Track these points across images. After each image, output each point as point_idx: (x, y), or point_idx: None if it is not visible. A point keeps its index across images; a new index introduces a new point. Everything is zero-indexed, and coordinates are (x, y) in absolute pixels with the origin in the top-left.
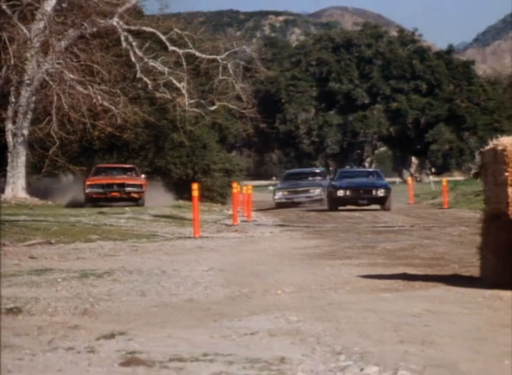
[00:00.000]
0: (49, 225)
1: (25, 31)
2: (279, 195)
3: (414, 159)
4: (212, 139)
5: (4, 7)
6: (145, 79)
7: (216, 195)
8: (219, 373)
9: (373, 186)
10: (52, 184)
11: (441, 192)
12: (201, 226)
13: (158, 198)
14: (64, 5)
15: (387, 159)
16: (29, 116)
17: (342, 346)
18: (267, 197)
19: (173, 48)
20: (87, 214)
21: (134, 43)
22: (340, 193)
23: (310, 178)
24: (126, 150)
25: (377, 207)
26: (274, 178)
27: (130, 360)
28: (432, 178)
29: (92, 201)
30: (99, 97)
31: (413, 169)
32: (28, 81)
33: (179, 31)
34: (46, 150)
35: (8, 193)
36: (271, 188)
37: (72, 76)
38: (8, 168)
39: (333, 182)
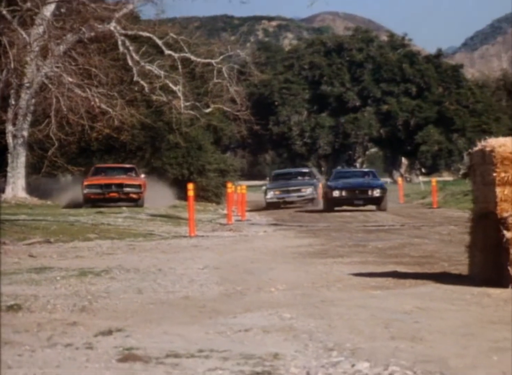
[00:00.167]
0: (48, 224)
1: (24, 35)
2: (270, 194)
3: (404, 160)
4: (207, 141)
5: (4, 12)
6: (141, 82)
7: (211, 194)
8: (214, 369)
9: (369, 186)
10: (51, 184)
11: (430, 192)
12: (197, 225)
13: (159, 198)
14: (62, 10)
15: (377, 160)
16: (28, 118)
17: (334, 342)
18: (261, 197)
19: (169, 52)
20: (85, 214)
21: (131, 48)
22: (336, 193)
23: (299, 178)
24: (123, 151)
25: (372, 207)
26: (267, 178)
27: (127, 356)
28: (421, 178)
29: (90, 202)
30: (97, 100)
31: (403, 169)
32: (27, 84)
33: (174, 36)
34: (45, 151)
35: (8, 192)
36: (264, 188)
37: (70, 79)
38: (8, 169)
39: (329, 183)
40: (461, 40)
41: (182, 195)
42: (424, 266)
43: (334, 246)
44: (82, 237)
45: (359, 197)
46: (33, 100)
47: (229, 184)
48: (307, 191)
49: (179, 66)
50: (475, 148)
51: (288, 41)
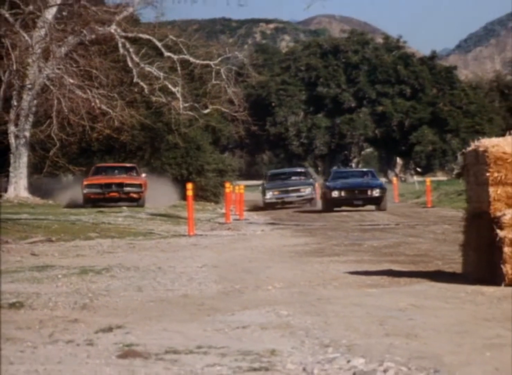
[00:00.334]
0: (50, 223)
1: (27, 38)
2: (269, 194)
3: (399, 160)
4: (205, 141)
5: (7, 15)
6: (141, 83)
7: (210, 194)
8: (212, 365)
9: (368, 186)
10: (53, 184)
11: (424, 191)
12: (196, 224)
13: (160, 198)
14: (64, 13)
15: (373, 160)
16: (30, 119)
17: (330, 339)
18: (258, 196)
19: (168, 54)
20: (86, 213)
21: (131, 50)
22: (335, 193)
23: (296, 178)
24: (123, 152)
25: (370, 207)
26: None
27: (127, 352)
28: (416, 178)
29: (91, 202)
30: (97, 101)
31: (398, 169)
32: (29, 86)
33: (174, 38)
34: (47, 151)
35: (11, 192)
36: (261, 187)
37: (71, 81)
38: (11, 169)
39: (327, 183)
40: (455, 42)
41: (181, 194)
42: (418, 265)
43: (330, 245)
44: (83, 235)
45: (359, 197)
46: (35, 101)
47: (227, 184)
48: (306, 191)
49: (178, 68)
50: (469, 149)
51: (285, 43)
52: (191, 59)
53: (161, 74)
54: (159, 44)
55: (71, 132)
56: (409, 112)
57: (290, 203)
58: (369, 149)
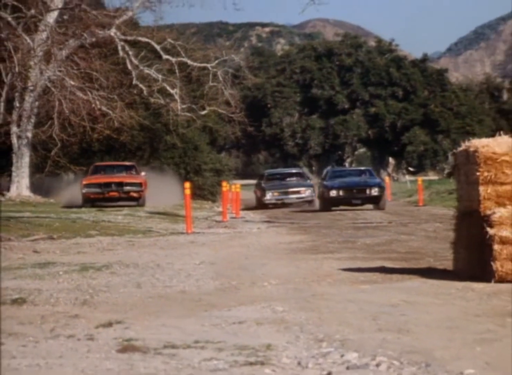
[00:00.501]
0: (51, 221)
1: (29, 41)
2: (269, 195)
3: (391, 160)
4: (203, 142)
5: (9, 19)
6: (140, 85)
7: (207, 193)
8: (209, 359)
9: (367, 185)
10: (54, 183)
11: (416, 190)
12: (193, 222)
13: (161, 197)
14: (65, 17)
15: (366, 160)
16: (32, 120)
17: (324, 334)
18: (254, 195)
19: (167, 57)
20: (86, 211)
21: (130, 52)
22: (333, 193)
23: (293, 178)
24: (123, 152)
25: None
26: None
27: (127, 347)
28: (408, 177)
29: (90, 201)
30: (97, 103)
31: (390, 169)
32: (31, 88)
33: (172, 41)
34: (48, 151)
35: (13, 191)
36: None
37: (72, 83)
38: (13, 168)
39: (325, 182)
40: (446, 45)
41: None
42: (410, 262)
43: (324, 242)
44: (83, 233)
45: (357, 196)
46: (37, 103)
47: (224, 183)
48: (306, 193)
49: (176, 70)
50: (459, 149)
51: (280, 46)
52: (189, 62)
53: (160, 76)
54: (157, 47)
55: (72, 132)
56: (401, 113)
57: (290, 204)
58: (362, 150)
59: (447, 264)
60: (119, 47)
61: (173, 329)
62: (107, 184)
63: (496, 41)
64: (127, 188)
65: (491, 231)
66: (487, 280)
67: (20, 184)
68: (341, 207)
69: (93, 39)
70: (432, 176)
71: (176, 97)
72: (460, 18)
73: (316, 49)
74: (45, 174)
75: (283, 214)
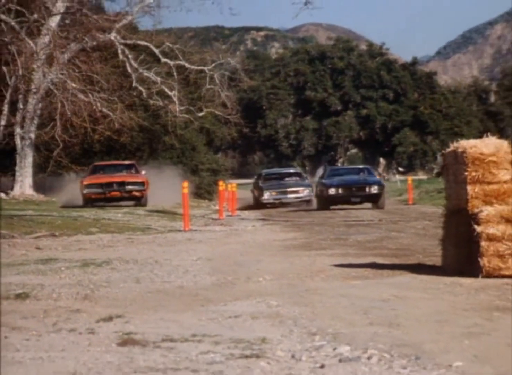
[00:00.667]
0: (53, 219)
1: (32, 45)
2: (267, 195)
3: (382, 160)
4: (200, 142)
5: (13, 23)
6: (140, 88)
7: (204, 192)
8: (206, 352)
9: (366, 183)
10: (56, 182)
11: (406, 190)
12: (191, 220)
13: (163, 196)
14: (67, 21)
15: (357, 160)
16: (35, 121)
17: (317, 328)
18: (250, 194)
19: (165, 60)
20: (87, 209)
21: (130, 56)
22: (332, 191)
23: (291, 178)
24: (123, 152)
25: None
26: (255, 177)
27: (126, 341)
28: (398, 177)
29: (91, 202)
30: (98, 104)
31: (381, 169)
32: (34, 90)
33: (170, 45)
34: (51, 152)
35: (17, 190)
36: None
37: (74, 85)
38: (17, 168)
39: (324, 180)
40: (435, 49)
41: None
42: (400, 258)
43: (317, 239)
44: (84, 230)
45: (356, 194)
46: (40, 105)
47: (221, 183)
48: (305, 193)
49: (175, 73)
50: (448, 150)
51: (275, 50)
52: (187, 65)
53: (158, 79)
54: (156, 50)
55: (73, 133)
56: (391, 115)
57: (288, 204)
58: (354, 150)
59: (436, 260)
60: (119, 51)
61: (171, 323)
62: (109, 184)
63: (484, 45)
64: (129, 187)
65: (478, 228)
66: (475, 275)
67: (24, 183)
68: (340, 206)
69: (94, 43)
70: (422, 176)
71: (174, 99)
72: (449, 22)
73: (309, 53)
74: (48, 174)
75: (277, 212)
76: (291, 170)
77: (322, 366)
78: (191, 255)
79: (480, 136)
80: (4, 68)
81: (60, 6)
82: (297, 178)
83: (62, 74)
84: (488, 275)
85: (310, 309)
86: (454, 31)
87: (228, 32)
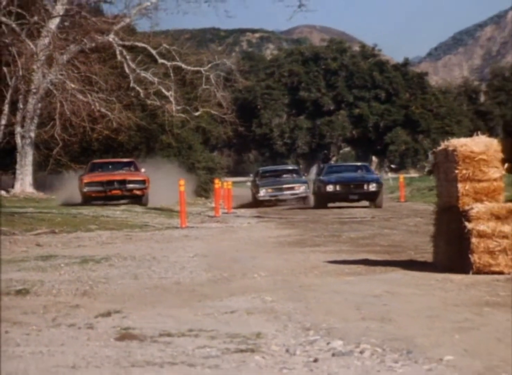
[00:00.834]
0: (53, 216)
1: (32, 46)
2: (262, 192)
3: (374, 159)
4: (196, 141)
5: (13, 25)
6: (137, 88)
7: (200, 189)
8: (203, 346)
9: (364, 180)
10: (56, 180)
11: (398, 187)
12: (187, 217)
13: (163, 195)
14: (66, 23)
15: (350, 159)
16: (35, 121)
17: (311, 323)
18: (245, 192)
19: (162, 61)
20: (86, 207)
21: (127, 57)
22: (330, 188)
23: (288, 175)
24: (121, 151)
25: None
26: (251, 175)
27: (125, 335)
28: (390, 175)
29: (91, 200)
30: (97, 104)
31: (373, 167)
32: (34, 90)
33: (167, 46)
34: (50, 150)
35: (17, 188)
36: (248, 183)
37: (73, 85)
38: (17, 166)
39: (322, 177)
40: (426, 50)
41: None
42: (392, 254)
43: (311, 236)
44: (84, 228)
45: (354, 192)
46: (40, 105)
47: (217, 181)
48: (301, 189)
49: (171, 74)
50: (439, 148)
51: (269, 51)
52: (183, 66)
53: (156, 80)
54: (153, 52)
55: (72, 133)
56: (384, 114)
57: (284, 200)
58: (347, 149)
59: (428, 256)
60: (117, 52)
61: (169, 318)
62: (110, 183)
63: (474, 47)
64: (130, 186)
65: (469, 225)
66: (465, 271)
67: (24, 181)
68: (337, 204)
69: (93, 44)
70: (413, 174)
71: (171, 99)
72: (440, 24)
73: (303, 54)
74: (48, 172)
75: (272, 209)
76: (289, 167)
77: (315, 360)
78: (187, 251)
79: (470, 135)
80: (5, 69)
81: (59, 9)
82: (294, 175)
83: (61, 74)
84: (479, 271)
85: (304, 304)
86: (445, 33)
87: (224, 34)
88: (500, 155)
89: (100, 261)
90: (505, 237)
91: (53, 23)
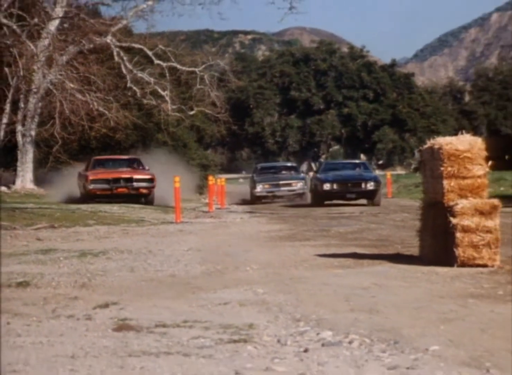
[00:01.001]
0: (53, 211)
1: (32, 47)
2: (259, 188)
3: (362, 156)
4: (191, 139)
5: (14, 27)
6: (134, 88)
7: (195, 186)
8: (197, 337)
9: (362, 179)
10: (56, 177)
11: (385, 184)
12: (182, 212)
13: (168, 194)
14: (65, 25)
15: (339, 156)
16: (36, 119)
17: (301, 314)
18: (237, 188)
19: (158, 62)
20: (85, 202)
21: (125, 58)
22: (327, 186)
23: (286, 172)
24: (118, 148)
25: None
26: (244, 172)
27: (122, 326)
28: (378, 172)
29: (96, 198)
30: (95, 103)
31: None
32: (35, 90)
33: (163, 47)
34: (50, 148)
35: (18, 184)
36: (241, 180)
37: (72, 85)
38: (18, 163)
39: (319, 175)
40: (412, 52)
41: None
42: (380, 248)
43: (301, 231)
44: (82, 222)
45: (352, 191)
46: (40, 104)
47: (210, 177)
48: (298, 185)
49: (167, 74)
50: (425, 146)
51: (261, 52)
52: (178, 66)
53: (152, 80)
54: (149, 53)
55: (72, 131)
56: (372, 113)
57: (281, 197)
58: (336, 147)
59: (414, 250)
60: (115, 53)
61: (164, 309)
62: (116, 180)
63: (459, 48)
64: (137, 184)
65: (454, 220)
66: (450, 264)
67: (25, 178)
68: (335, 201)
69: (91, 46)
70: (400, 171)
71: (167, 98)
72: (426, 26)
73: (294, 55)
74: (47, 169)
75: (264, 205)
76: (287, 164)
77: (306, 350)
78: (182, 245)
79: (455, 134)
80: (6, 70)
81: (59, 11)
82: (292, 172)
83: (60, 75)
84: (463, 264)
85: (294, 296)
86: (430, 34)
87: (217, 35)
88: (484, 153)
89: (98, 254)
90: (488, 231)
91: (53, 25)
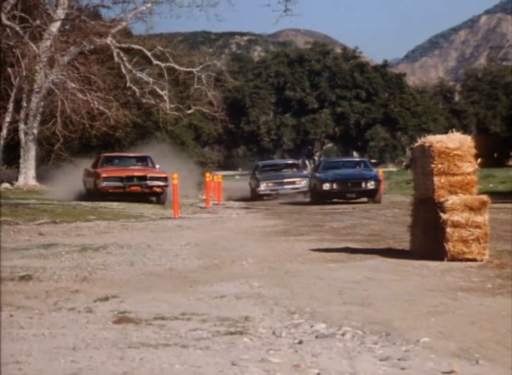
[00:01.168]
0: (54, 207)
1: (34, 48)
2: (263, 186)
3: (355, 154)
4: (189, 137)
5: (17, 28)
6: (133, 87)
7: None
8: (194, 329)
9: (362, 178)
10: (57, 174)
11: None
12: (180, 208)
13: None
14: (67, 27)
15: (333, 154)
16: (38, 118)
17: (295, 307)
18: (234, 184)
19: (157, 62)
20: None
21: (124, 58)
22: (326, 186)
23: (288, 169)
24: (118, 146)
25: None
26: (240, 169)
27: (121, 319)
28: None
29: (107, 196)
30: (95, 103)
31: None
32: (37, 90)
33: (161, 48)
34: (52, 146)
35: (21, 181)
36: (237, 177)
37: (73, 85)
38: (21, 161)
39: (318, 174)
40: (403, 52)
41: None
42: (372, 243)
43: (295, 226)
44: (83, 218)
45: (352, 190)
46: (42, 103)
47: (207, 174)
48: (302, 183)
49: (165, 74)
50: (416, 144)
51: (257, 53)
52: (176, 67)
53: (151, 80)
54: (148, 53)
55: (73, 129)
56: (364, 113)
57: (285, 195)
58: (329, 145)
59: (405, 245)
60: (115, 54)
61: (163, 302)
62: (129, 178)
63: (449, 49)
64: (151, 183)
65: (444, 216)
66: (441, 259)
67: (27, 175)
68: (334, 200)
69: (92, 47)
70: (392, 168)
71: (165, 98)
72: (417, 28)
73: (288, 56)
74: (49, 166)
75: (259, 201)
76: (288, 162)
77: (300, 342)
78: (180, 240)
79: (446, 132)
80: (9, 70)
81: (60, 13)
82: (294, 169)
83: (62, 75)
84: (453, 259)
85: (289, 289)
86: (421, 36)
87: (214, 36)
88: (474, 151)
89: (98, 249)
90: (477, 226)
91: (55, 27)
